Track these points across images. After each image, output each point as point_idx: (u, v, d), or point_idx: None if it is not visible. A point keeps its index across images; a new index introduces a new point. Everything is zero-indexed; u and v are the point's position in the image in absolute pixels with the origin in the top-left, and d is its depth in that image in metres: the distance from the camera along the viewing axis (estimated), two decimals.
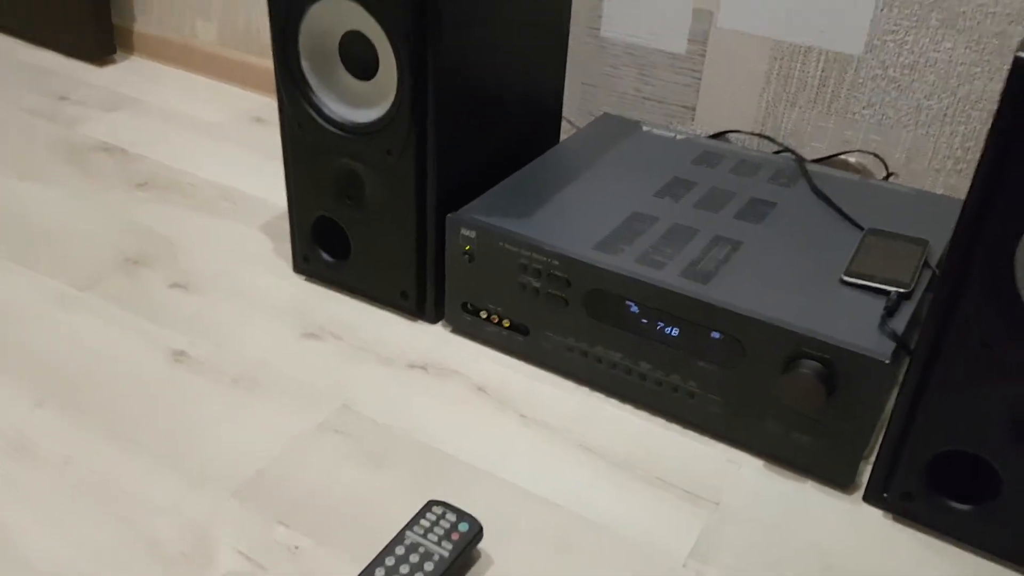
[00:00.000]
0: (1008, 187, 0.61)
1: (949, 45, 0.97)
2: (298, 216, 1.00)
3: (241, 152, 1.36)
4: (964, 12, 0.95)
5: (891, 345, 0.75)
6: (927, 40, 0.98)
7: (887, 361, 0.73)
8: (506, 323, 0.94)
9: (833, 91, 1.05)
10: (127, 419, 0.85)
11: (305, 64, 0.90)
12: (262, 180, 1.28)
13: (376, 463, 0.81)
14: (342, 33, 0.88)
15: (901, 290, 0.80)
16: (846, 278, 0.83)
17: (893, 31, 0.99)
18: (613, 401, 0.91)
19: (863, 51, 1.02)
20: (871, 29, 1.00)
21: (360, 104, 0.91)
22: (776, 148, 1.12)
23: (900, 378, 0.76)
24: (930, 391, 0.71)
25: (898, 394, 0.74)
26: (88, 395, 0.88)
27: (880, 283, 0.81)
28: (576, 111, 1.25)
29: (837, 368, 0.76)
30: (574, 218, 0.93)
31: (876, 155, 1.06)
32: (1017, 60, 0.59)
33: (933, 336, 0.69)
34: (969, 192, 0.63)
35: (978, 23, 0.95)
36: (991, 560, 0.75)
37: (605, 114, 1.16)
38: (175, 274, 1.07)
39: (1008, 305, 0.65)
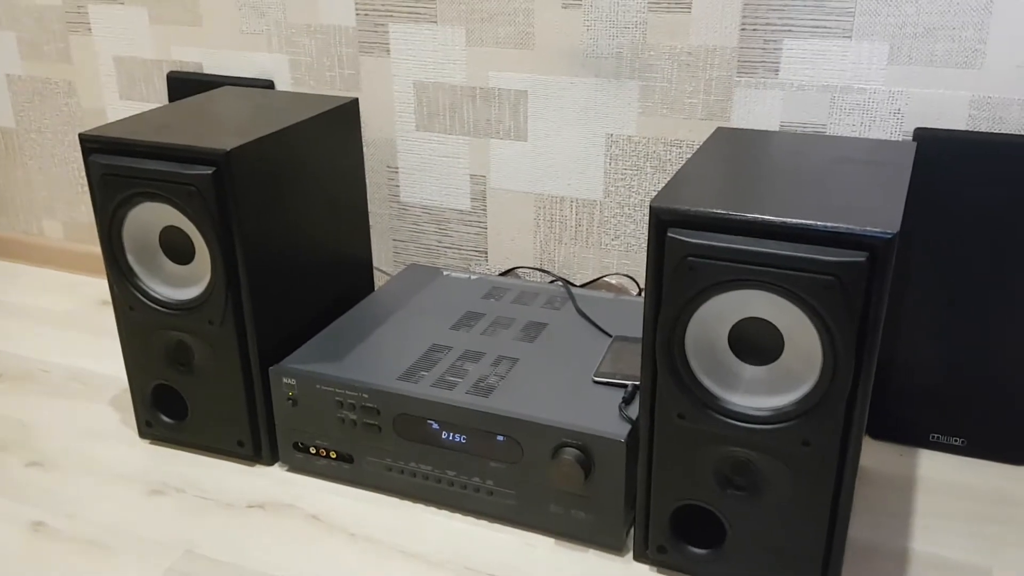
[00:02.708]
0: (667, 300, 0.82)
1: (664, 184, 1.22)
2: (137, 386, 1.14)
3: (89, 335, 1.47)
4: (669, 160, 1.21)
5: (627, 427, 0.94)
6: (647, 183, 1.23)
7: (623, 440, 0.92)
8: (333, 455, 1.09)
9: (587, 228, 1.29)
10: None
11: (130, 257, 1.06)
12: (109, 358, 1.40)
13: None
14: (161, 228, 1.05)
15: (636, 382, 1.00)
16: (596, 378, 1.02)
17: (621, 178, 1.25)
18: (430, 509, 1.05)
19: (603, 196, 1.27)
20: (605, 179, 1.26)
21: (182, 285, 1.07)
22: (551, 278, 1.34)
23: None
24: (655, 459, 0.90)
25: (637, 464, 0.92)
26: None
27: (621, 379, 1.01)
28: (390, 263, 1.44)
29: (590, 451, 0.94)
30: (382, 356, 1.10)
31: (629, 276, 1.29)
32: (651, 209, 0.82)
33: (648, 415, 0.89)
34: (644, 305, 0.84)
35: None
36: None
37: (412, 264, 1.35)
38: (31, 454, 1.16)
39: (689, 384, 0.85)
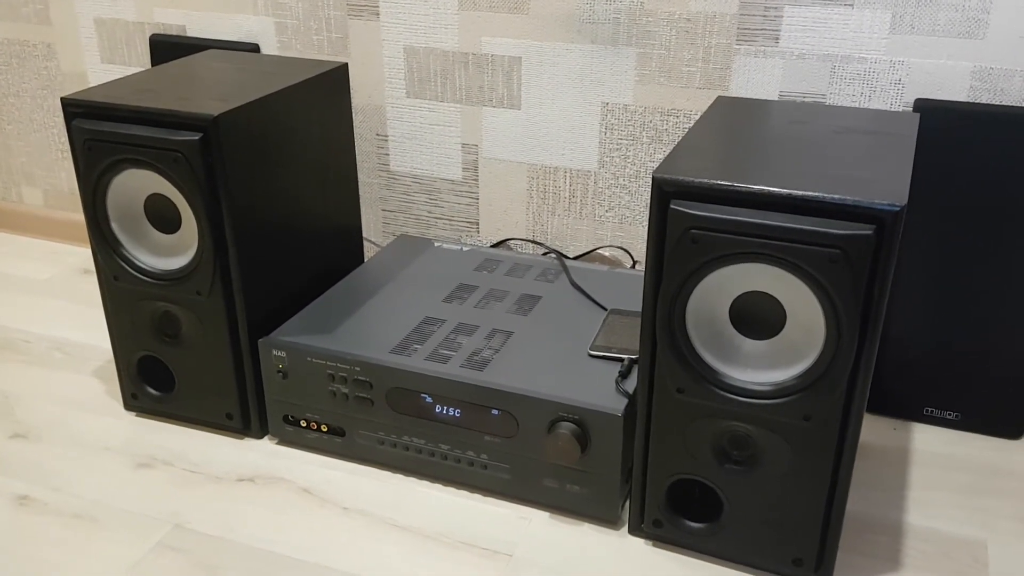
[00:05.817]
0: (668, 273, 0.81)
1: (660, 155, 1.20)
2: (122, 358, 1.11)
3: (71, 304, 1.44)
4: (666, 130, 1.19)
5: (624, 401, 0.93)
6: (643, 153, 1.21)
7: (620, 414, 0.91)
8: (324, 428, 1.07)
9: (581, 200, 1.27)
10: None
11: (115, 225, 1.03)
12: (92, 328, 1.37)
13: (211, 572, 0.91)
14: (146, 196, 1.02)
15: (632, 356, 0.99)
16: (592, 352, 1.01)
17: (617, 149, 1.22)
18: (423, 482, 1.04)
19: (597, 167, 1.24)
20: (600, 149, 1.23)
21: (168, 254, 1.04)
22: (544, 250, 1.32)
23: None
24: (653, 433, 0.89)
25: (634, 438, 0.91)
26: None
27: (617, 353, 1.00)
28: (380, 234, 1.42)
29: (586, 425, 0.93)
30: (373, 328, 1.08)
31: (623, 248, 1.27)
32: (654, 180, 0.80)
33: (647, 389, 0.87)
34: (644, 278, 0.83)
35: (677, 138, 1.19)
36: (724, 566, 0.92)
37: (402, 235, 1.33)
38: (14, 426, 1.14)
39: (689, 358, 0.84)
